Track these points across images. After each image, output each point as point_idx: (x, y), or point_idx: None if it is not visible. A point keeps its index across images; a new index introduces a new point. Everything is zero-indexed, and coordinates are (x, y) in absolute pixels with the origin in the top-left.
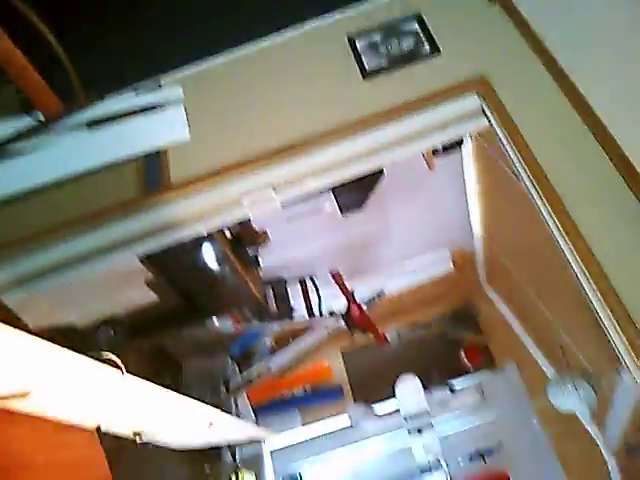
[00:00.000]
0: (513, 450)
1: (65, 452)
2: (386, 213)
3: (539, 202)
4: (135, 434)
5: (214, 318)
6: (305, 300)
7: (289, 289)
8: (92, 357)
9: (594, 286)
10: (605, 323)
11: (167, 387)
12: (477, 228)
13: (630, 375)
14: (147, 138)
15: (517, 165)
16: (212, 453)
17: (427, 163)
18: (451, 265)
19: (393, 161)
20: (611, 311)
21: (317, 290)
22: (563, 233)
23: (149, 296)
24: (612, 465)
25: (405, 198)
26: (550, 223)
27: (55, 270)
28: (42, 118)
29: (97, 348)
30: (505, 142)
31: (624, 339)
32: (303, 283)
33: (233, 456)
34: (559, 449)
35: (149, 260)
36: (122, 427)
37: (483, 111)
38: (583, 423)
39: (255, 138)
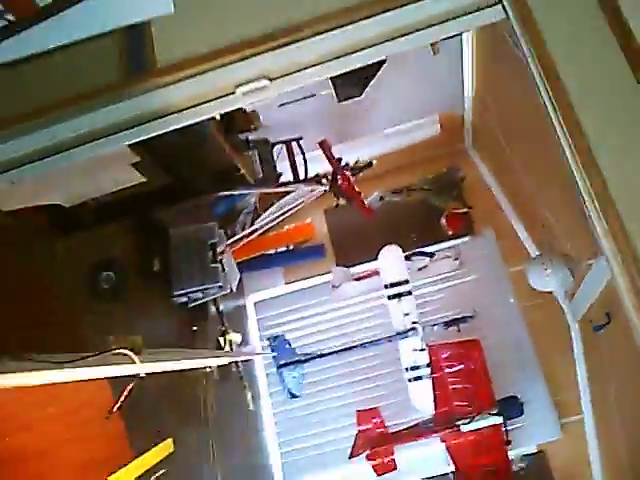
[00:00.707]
0: (486, 318)
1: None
2: (378, 80)
3: (534, 70)
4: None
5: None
6: (291, 163)
7: (274, 152)
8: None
9: (579, 163)
10: (587, 202)
11: (153, 254)
12: (468, 91)
13: (605, 259)
14: (126, 10)
15: (518, 34)
16: (200, 315)
17: (432, 48)
18: (438, 128)
19: (401, 51)
20: (594, 191)
21: (303, 154)
22: (554, 102)
23: (136, 177)
24: (575, 333)
25: (399, 65)
26: (543, 92)
27: (35, 159)
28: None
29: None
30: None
31: (603, 222)
32: (289, 146)
33: (221, 317)
34: (527, 316)
35: (136, 143)
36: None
37: None
38: (556, 298)
39: (249, 18)
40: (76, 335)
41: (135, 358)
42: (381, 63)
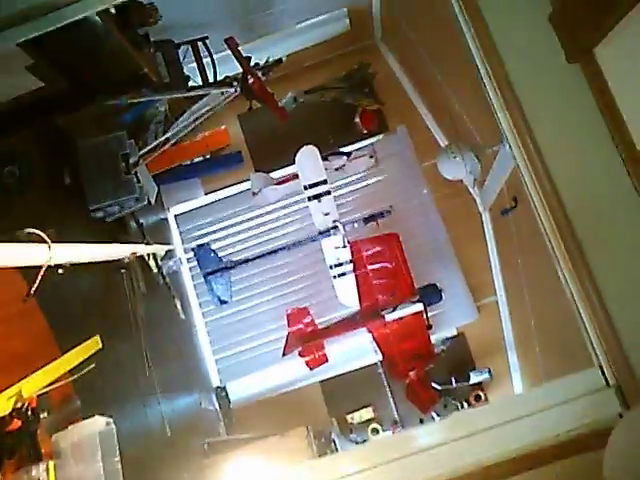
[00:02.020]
0: (402, 210)
1: None
2: None
3: None
4: (56, 266)
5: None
6: (198, 65)
7: (180, 53)
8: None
9: (483, 57)
10: (490, 93)
11: (62, 168)
12: None
13: (508, 145)
14: None
15: None
16: (120, 230)
17: None
18: (347, 23)
19: None
20: (496, 82)
21: (210, 55)
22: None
23: (31, 81)
24: (486, 219)
25: None
26: None
27: None
28: None
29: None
30: None
31: (505, 110)
32: (195, 47)
33: (142, 231)
34: (441, 207)
35: (26, 43)
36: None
37: None
38: (466, 187)
39: None
40: None
41: (46, 238)
42: None
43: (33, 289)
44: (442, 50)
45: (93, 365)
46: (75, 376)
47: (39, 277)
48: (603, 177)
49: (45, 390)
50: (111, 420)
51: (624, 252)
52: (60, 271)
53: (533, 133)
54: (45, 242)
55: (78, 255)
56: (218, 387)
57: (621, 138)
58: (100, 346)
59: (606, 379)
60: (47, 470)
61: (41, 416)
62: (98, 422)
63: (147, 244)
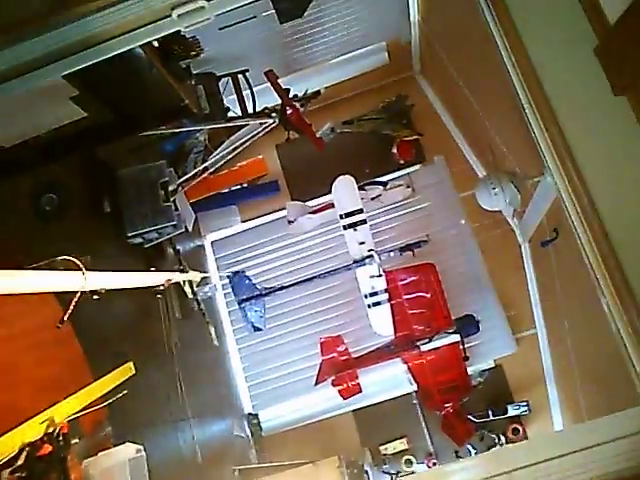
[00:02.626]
0: (439, 241)
1: (24, 320)
2: (323, 7)
3: None
4: (92, 292)
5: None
6: (238, 97)
7: (220, 86)
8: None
9: (526, 89)
10: (532, 125)
11: (102, 195)
12: (414, 16)
13: (550, 176)
14: None
15: None
16: (157, 256)
17: None
18: (386, 57)
19: None
20: (539, 114)
21: (250, 87)
22: (501, 30)
23: (76, 111)
24: (526, 251)
25: None
26: (488, 17)
27: None
28: None
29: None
30: None
31: (549, 141)
32: (235, 80)
33: (178, 257)
34: (479, 238)
35: (71, 75)
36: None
37: None
38: (505, 217)
39: None
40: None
41: (81, 265)
42: None
43: (67, 316)
44: (481, 82)
45: (125, 391)
46: (107, 402)
47: (72, 304)
48: None
49: (77, 416)
50: (142, 448)
51: None
52: (95, 297)
53: (577, 164)
54: (80, 269)
55: (112, 282)
56: (250, 414)
57: None
58: (133, 372)
59: None
60: None
61: (72, 442)
62: (129, 450)
63: (183, 271)
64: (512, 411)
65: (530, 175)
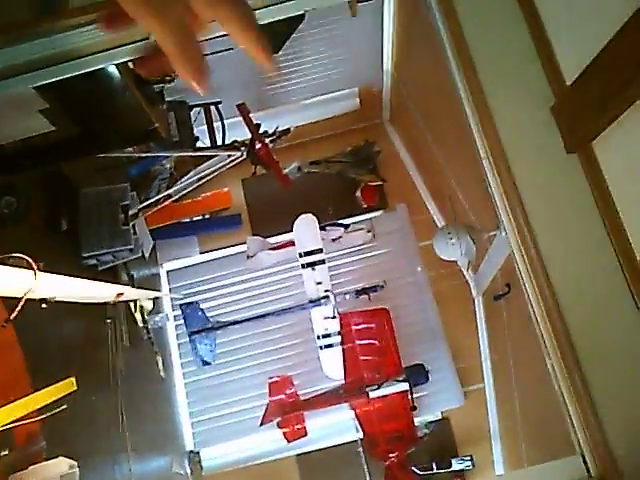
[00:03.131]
0: (395, 287)
1: None
2: (299, 48)
3: (450, 53)
4: (41, 300)
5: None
6: (208, 128)
7: (192, 115)
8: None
9: (485, 144)
10: (489, 179)
11: (61, 213)
12: (388, 65)
13: (504, 231)
14: None
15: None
16: (110, 280)
17: (351, 8)
18: (358, 102)
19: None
20: (496, 169)
21: (221, 118)
22: (466, 86)
23: (44, 125)
24: (479, 304)
25: (320, 36)
26: (455, 75)
27: None
28: None
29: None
30: None
31: (503, 197)
32: (207, 110)
33: (132, 282)
34: (435, 288)
35: (43, 87)
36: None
37: None
38: (461, 269)
39: None
40: None
41: (33, 264)
42: (299, 19)
43: (13, 315)
44: (445, 135)
45: (64, 406)
46: (44, 415)
47: (22, 302)
48: (599, 276)
49: (10, 426)
50: (75, 464)
51: (614, 349)
52: (44, 305)
53: (529, 222)
54: (32, 269)
55: (64, 287)
56: (192, 451)
57: (618, 239)
58: (75, 388)
59: (587, 468)
60: None
61: (1, 453)
62: (62, 465)
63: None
64: (456, 465)
65: (486, 229)
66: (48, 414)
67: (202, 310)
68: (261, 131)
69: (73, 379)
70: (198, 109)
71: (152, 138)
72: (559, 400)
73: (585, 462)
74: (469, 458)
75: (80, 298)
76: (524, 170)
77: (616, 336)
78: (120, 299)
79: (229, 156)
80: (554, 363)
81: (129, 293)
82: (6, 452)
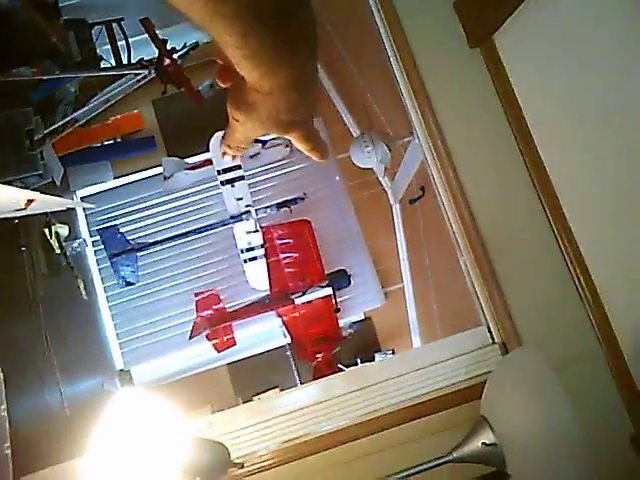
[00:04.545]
0: (316, 199)
1: None
2: None
3: None
4: None
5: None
6: (112, 47)
7: (93, 34)
8: None
9: (393, 43)
10: (400, 84)
11: None
12: None
13: (417, 136)
14: None
15: None
16: None
17: None
18: None
19: None
20: (405, 72)
21: (125, 37)
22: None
23: None
24: (396, 210)
25: None
26: None
27: None
28: None
29: None
30: None
31: (416, 106)
32: (109, 28)
33: (46, 214)
34: (354, 197)
35: None
36: None
37: None
38: (377, 176)
39: None
40: None
41: None
42: None
43: None
44: (357, 43)
45: None
46: None
47: None
48: (503, 169)
49: None
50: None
51: (517, 236)
52: None
53: (439, 123)
54: None
55: None
56: (122, 370)
57: (519, 130)
58: None
59: (492, 336)
60: None
61: None
62: None
63: (49, 224)
64: (379, 358)
65: (400, 136)
66: None
67: (122, 233)
68: (169, 48)
69: None
70: (99, 27)
71: (51, 55)
72: (470, 288)
73: (490, 331)
74: (391, 352)
75: None
76: (430, 69)
77: (519, 224)
78: (30, 206)
79: (136, 75)
80: (465, 254)
81: (40, 199)
82: None
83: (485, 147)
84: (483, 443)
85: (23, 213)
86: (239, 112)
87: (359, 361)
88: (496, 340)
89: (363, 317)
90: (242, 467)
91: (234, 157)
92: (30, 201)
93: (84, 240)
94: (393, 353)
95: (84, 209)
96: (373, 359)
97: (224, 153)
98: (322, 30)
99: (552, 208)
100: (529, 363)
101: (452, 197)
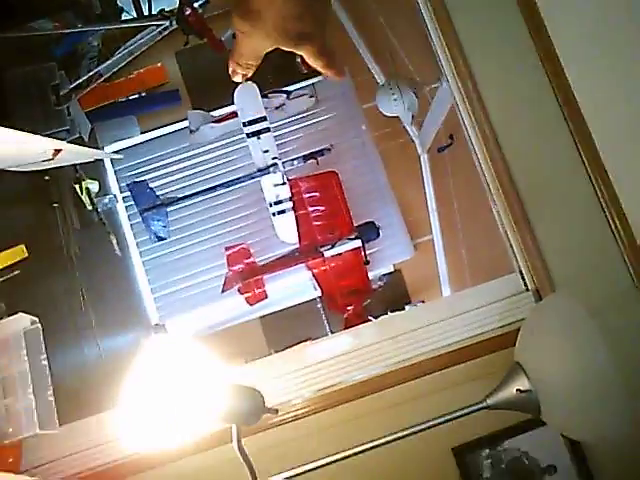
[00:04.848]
0: (342, 150)
1: None
2: None
3: None
4: None
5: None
6: None
7: None
8: None
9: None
10: (432, 34)
11: None
12: None
13: (446, 81)
14: None
15: None
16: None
17: None
18: None
19: None
20: (439, 25)
21: None
22: None
23: None
24: (424, 160)
25: None
26: None
27: None
28: None
29: None
30: None
31: (446, 49)
32: None
33: (74, 165)
34: (381, 148)
35: None
36: None
37: None
38: (404, 125)
39: None
40: None
41: None
42: None
43: None
44: None
45: (18, 272)
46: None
47: None
48: (538, 114)
49: None
50: (37, 319)
51: (551, 183)
52: None
53: (470, 67)
54: None
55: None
56: (157, 324)
57: (553, 71)
58: (26, 255)
59: (525, 283)
60: None
61: None
62: (23, 320)
63: (80, 179)
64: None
65: (428, 82)
66: (4, 278)
67: (151, 188)
68: None
69: (22, 246)
70: None
71: (71, 6)
72: (502, 235)
73: (523, 278)
74: (421, 303)
75: (13, 154)
76: (460, 8)
77: (553, 167)
78: (58, 157)
79: (158, 26)
80: (497, 201)
81: (67, 149)
82: None
83: (517, 88)
84: (518, 390)
85: (53, 164)
86: (243, 21)
87: (389, 313)
88: (529, 287)
89: (393, 269)
90: (276, 413)
91: (244, 76)
92: (57, 151)
93: (114, 196)
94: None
95: (113, 164)
96: (404, 310)
97: (233, 71)
98: None
99: (587, 150)
100: (563, 309)
101: (483, 141)
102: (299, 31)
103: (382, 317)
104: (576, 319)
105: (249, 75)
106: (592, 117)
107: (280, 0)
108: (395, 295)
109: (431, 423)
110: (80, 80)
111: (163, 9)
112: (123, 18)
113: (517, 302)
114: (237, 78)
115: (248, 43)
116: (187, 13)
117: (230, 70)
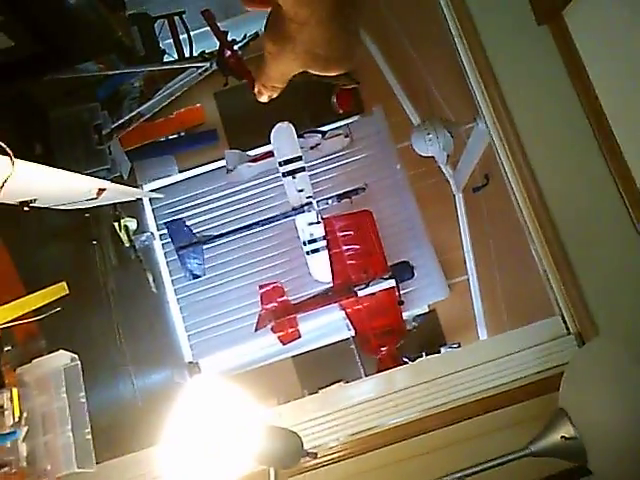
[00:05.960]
0: (376, 189)
1: None
2: None
3: None
4: (22, 203)
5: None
6: (174, 40)
7: (156, 28)
8: None
9: (462, 34)
10: (469, 73)
11: (33, 137)
12: None
13: (483, 121)
14: None
15: None
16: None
17: None
18: None
19: None
20: (476, 65)
21: (187, 29)
22: None
23: (2, 40)
24: (459, 199)
25: None
26: None
27: None
28: None
29: None
30: None
31: (483, 89)
32: (172, 22)
33: (115, 208)
34: (415, 187)
35: None
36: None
37: None
38: (439, 165)
39: None
40: None
41: (9, 150)
42: None
43: None
44: (418, 29)
45: (59, 308)
46: (42, 316)
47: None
48: (575, 149)
49: (8, 325)
50: (76, 357)
51: (590, 219)
52: (26, 208)
53: (507, 105)
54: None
55: (42, 179)
56: (191, 362)
57: (592, 110)
58: (67, 292)
59: (567, 327)
60: (11, 398)
61: (5, 349)
62: (63, 357)
63: (119, 217)
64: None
65: (463, 122)
66: (44, 315)
67: (188, 226)
68: (229, 39)
69: (64, 283)
70: (162, 21)
71: (116, 49)
72: (541, 276)
73: (564, 321)
74: (457, 345)
75: (60, 194)
76: (497, 48)
77: (593, 208)
78: (102, 196)
79: (198, 68)
80: (536, 242)
81: (111, 188)
82: (9, 348)
83: (556, 129)
84: (563, 437)
85: (95, 203)
86: (274, 44)
87: (424, 355)
88: (571, 330)
89: (427, 310)
90: (316, 456)
91: (270, 97)
92: (101, 190)
93: (152, 233)
94: (459, 346)
95: (151, 203)
96: (439, 353)
97: (259, 92)
98: (384, 20)
99: (628, 192)
100: (608, 354)
101: (521, 181)
102: (328, 55)
103: (418, 360)
104: (622, 364)
105: (274, 96)
106: (635, 162)
107: (311, 25)
108: (430, 336)
109: (472, 470)
110: (122, 120)
111: (204, 51)
112: (165, 60)
113: (558, 346)
114: (263, 99)
115: (277, 65)
116: (227, 55)
117: (256, 90)
